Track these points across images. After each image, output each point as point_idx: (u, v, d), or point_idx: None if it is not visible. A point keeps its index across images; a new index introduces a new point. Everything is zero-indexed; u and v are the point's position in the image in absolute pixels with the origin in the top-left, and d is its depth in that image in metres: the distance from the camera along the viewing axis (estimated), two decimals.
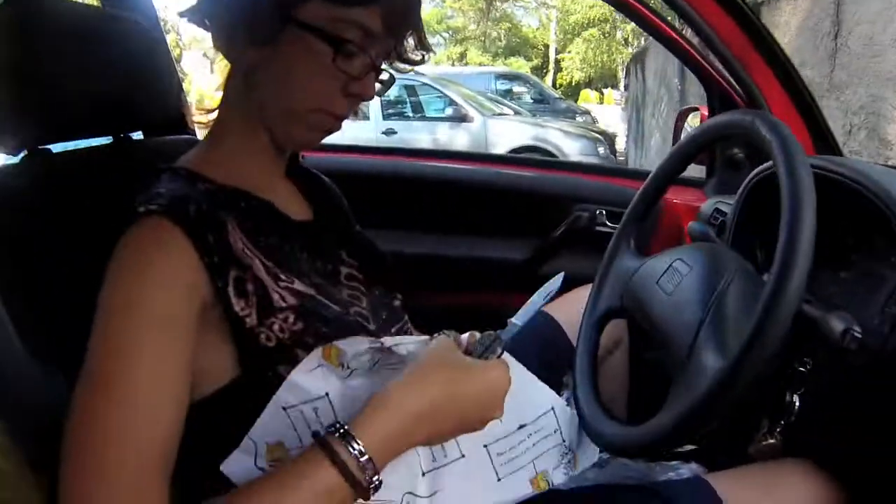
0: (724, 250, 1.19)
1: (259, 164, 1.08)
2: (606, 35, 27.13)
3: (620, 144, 14.72)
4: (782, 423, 1.11)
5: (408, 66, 1.13)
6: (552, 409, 1.10)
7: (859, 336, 0.96)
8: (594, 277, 1.39)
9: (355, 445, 0.78)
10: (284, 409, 0.89)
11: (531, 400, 1.09)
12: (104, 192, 1.07)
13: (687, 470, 1.22)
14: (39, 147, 1.19)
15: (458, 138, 10.21)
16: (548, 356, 1.44)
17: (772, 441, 1.13)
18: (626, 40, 26.40)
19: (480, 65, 30.78)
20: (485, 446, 1.00)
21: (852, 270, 1.22)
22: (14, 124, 1.13)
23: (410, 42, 1.10)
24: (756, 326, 0.85)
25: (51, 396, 0.91)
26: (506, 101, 13.20)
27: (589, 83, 29.38)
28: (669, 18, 1.92)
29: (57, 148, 1.23)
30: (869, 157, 4.83)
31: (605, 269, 1.36)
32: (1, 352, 0.90)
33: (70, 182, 1.18)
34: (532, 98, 16.45)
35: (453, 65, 34.18)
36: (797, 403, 1.08)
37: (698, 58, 1.89)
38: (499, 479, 1.00)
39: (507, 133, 10.13)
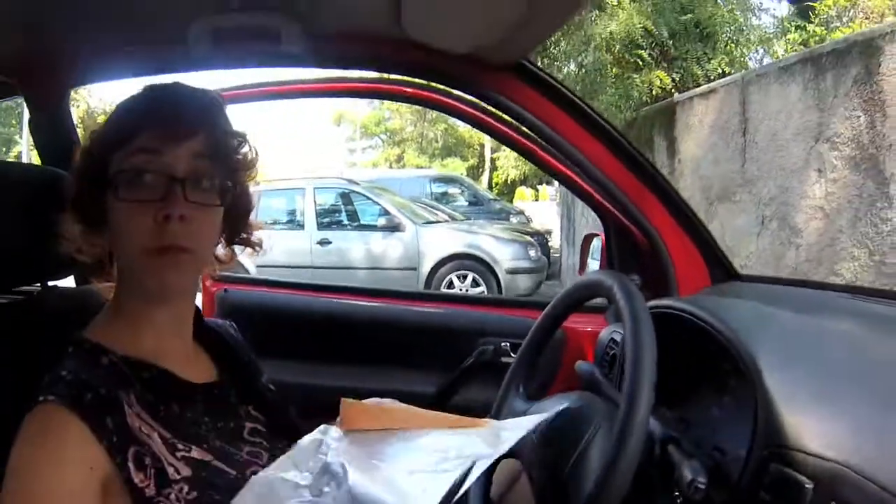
0: (595, 399, 1.25)
1: (153, 329, 1.10)
2: None
3: (556, 241, 14.92)
4: None
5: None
6: None
7: (703, 487, 1.02)
8: None
9: None
10: None
11: None
12: (23, 345, 1.11)
13: None
14: None
15: (391, 248, 10.29)
16: None
17: None
18: None
19: (418, 167, 31.16)
20: None
21: (731, 396, 1.27)
22: None
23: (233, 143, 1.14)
24: (595, 489, 0.90)
25: None
26: (440, 207, 13.45)
27: (524, 180, 29.86)
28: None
29: None
30: (781, 245, 5.01)
31: (496, 413, 1.41)
32: None
33: None
34: (467, 200, 16.70)
35: (391, 167, 34.58)
36: None
37: (590, 190, 1.97)
38: None
39: (438, 241, 10.25)
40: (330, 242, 10.44)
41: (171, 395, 1.06)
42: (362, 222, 10.83)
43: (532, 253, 10.24)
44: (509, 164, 28.24)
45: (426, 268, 10.06)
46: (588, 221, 10.15)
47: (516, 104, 1.71)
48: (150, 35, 1.67)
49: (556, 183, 23.52)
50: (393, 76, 2.08)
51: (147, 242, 1.01)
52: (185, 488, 0.97)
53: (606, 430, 1.10)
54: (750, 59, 11.68)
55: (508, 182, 29.75)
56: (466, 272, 9.95)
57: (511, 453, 1.31)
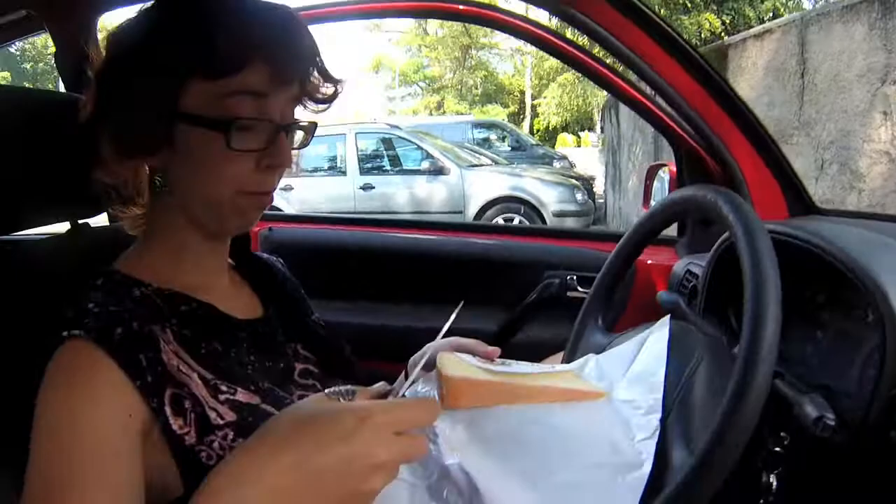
0: (690, 329, 1.15)
1: (196, 262, 1.03)
2: (581, 79, 27.31)
3: (599, 187, 14.78)
4: None
5: (321, 106, 1.04)
6: None
7: (832, 424, 0.94)
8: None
9: None
10: None
11: None
12: (52, 284, 1.00)
13: None
14: None
15: (435, 191, 10.22)
16: None
17: None
18: None
19: (458, 113, 30.96)
20: None
21: (827, 331, 1.19)
22: None
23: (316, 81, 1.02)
24: (722, 421, 0.81)
25: None
26: (483, 151, 13.29)
27: (566, 127, 29.54)
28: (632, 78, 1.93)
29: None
30: (842, 189, 4.86)
31: (573, 348, 1.32)
32: None
33: (23, 273, 1.12)
34: (509, 145, 16.59)
35: (431, 114, 34.35)
36: (775, 484, 1.03)
37: (662, 115, 1.89)
38: None
39: (483, 184, 10.16)
40: (373, 187, 10.38)
41: (212, 332, 0.97)
42: (405, 167, 10.75)
43: (579, 196, 10.08)
44: (550, 110, 27.97)
45: (472, 211, 9.98)
46: (635, 166, 10.01)
47: (593, 21, 1.62)
48: None
49: (598, 129, 23.28)
50: None
51: (244, 187, 0.93)
52: (231, 434, 0.88)
53: (710, 362, 1.02)
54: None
55: (550, 128, 29.47)
56: (513, 215, 9.83)
57: None
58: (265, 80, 0.90)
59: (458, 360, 0.98)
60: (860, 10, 4.72)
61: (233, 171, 0.92)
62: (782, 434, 1.04)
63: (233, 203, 0.94)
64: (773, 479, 1.03)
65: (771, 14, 10.26)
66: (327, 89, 1.03)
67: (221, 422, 0.88)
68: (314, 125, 1.04)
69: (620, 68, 1.91)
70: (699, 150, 1.84)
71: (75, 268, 0.98)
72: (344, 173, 10.53)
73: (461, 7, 1.97)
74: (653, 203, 2.19)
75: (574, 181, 10.81)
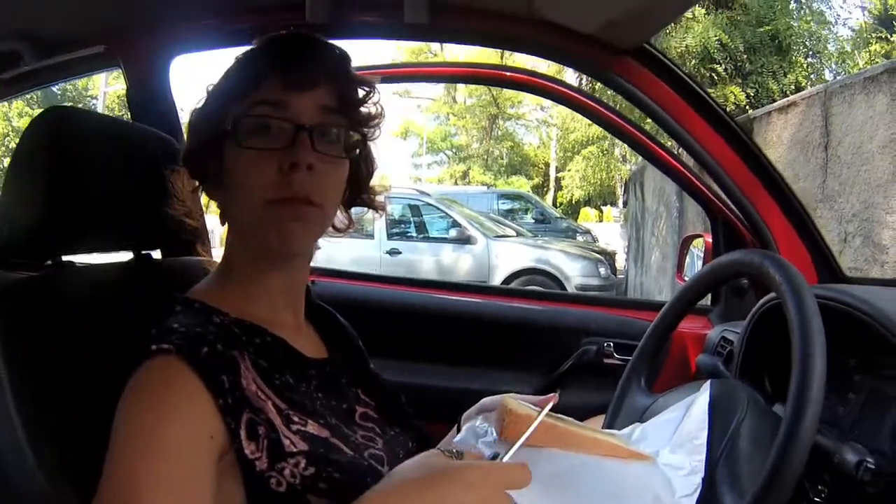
0: (734, 385, 1.20)
1: (268, 299, 1.07)
2: (605, 152, 27.45)
3: (620, 262, 14.80)
4: None
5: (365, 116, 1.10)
6: None
7: (873, 467, 0.98)
8: (604, 409, 1.39)
9: None
10: None
11: None
12: (125, 309, 1.07)
13: None
14: (63, 259, 1.19)
15: (461, 260, 10.29)
16: None
17: None
18: (623, 157, 26.78)
19: (483, 184, 31.08)
20: None
21: (859, 392, 1.25)
22: (40, 233, 1.13)
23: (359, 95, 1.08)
24: (772, 467, 0.87)
25: None
26: (508, 222, 13.40)
27: (588, 201, 29.55)
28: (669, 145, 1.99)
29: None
30: (865, 262, 4.85)
31: (616, 408, 1.36)
32: (15, 471, 0.93)
33: (92, 296, 1.16)
34: (533, 218, 16.72)
35: (456, 183, 34.49)
36: None
37: (700, 185, 1.95)
38: None
39: (509, 255, 10.26)
40: (399, 252, 10.47)
41: (284, 365, 1.00)
42: (432, 234, 10.86)
43: (602, 270, 10.17)
44: (574, 183, 28.02)
45: (496, 281, 10.00)
46: (658, 241, 10.01)
47: (635, 87, 1.70)
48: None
49: (620, 203, 23.24)
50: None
51: (270, 194, 0.97)
52: (302, 463, 0.90)
53: (754, 416, 1.07)
54: (828, 71, 11.56)
55: (573, 202, 29.50)
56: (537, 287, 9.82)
57: None
58: (279, 89, 0.99)
59: (520, 401, 1.01)
60: (881, 80, 4.73)
61: (256, 175, 0.97)
62: (820, 487, 1.09)
63: (266, 216, 0.98)
64: None
65: (793, 87, 10.37)
66: (365, 95, 1.10)
67: (294, 450, 0.90)
68: (363, 136, 1.11)
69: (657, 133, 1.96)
70: (735, 220, 1.90)
71: (144, 295, 1.06)
72: (371, 236, 10.58)
73: (508, 73, 2.07)
74: (686, 273, 2.25)
75: (597, 255, 10.89)
